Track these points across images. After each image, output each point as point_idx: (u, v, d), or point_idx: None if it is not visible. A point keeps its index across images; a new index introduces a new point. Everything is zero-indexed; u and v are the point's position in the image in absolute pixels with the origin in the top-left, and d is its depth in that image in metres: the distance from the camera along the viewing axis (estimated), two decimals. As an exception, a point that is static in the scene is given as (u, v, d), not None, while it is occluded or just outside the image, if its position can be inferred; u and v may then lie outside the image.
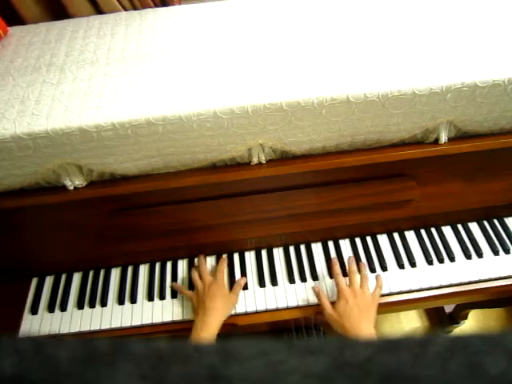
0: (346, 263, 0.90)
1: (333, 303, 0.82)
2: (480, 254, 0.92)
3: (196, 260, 0.95)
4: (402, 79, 0.75)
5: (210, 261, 0.96)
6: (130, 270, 0.96)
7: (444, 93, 0.75)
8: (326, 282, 0.91)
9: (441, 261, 0.92)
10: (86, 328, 0.87)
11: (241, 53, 0.85)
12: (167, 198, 0.87)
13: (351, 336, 0.74)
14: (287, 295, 0.89)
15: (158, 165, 0.83)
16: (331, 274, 0.90)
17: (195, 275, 0.89)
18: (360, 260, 0.93)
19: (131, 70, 0.83)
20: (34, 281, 0.95)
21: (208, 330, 0.77)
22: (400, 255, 0.93)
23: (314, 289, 0.87)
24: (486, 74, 0.75)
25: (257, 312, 0.88)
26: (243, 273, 0.93)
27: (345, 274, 0.89)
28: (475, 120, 0.82)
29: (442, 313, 1.48)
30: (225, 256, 0.95)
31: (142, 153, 0.79)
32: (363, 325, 0.76)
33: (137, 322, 0.88)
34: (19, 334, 0.86)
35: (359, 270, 0.87)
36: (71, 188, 0.82)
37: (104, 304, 0.90)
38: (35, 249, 0.92)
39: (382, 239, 0.97)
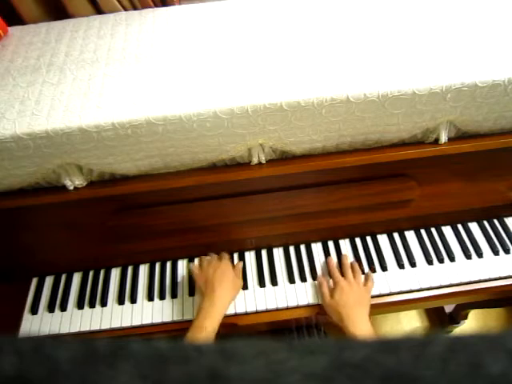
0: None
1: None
2: (480, 254, 0.92)
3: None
4: (402, 79, 0.75)
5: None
6: (130, 270, 0.96)
7: (444, 93, 0.75)
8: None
9: (441, 261, 0.92)
10: (85, 328, 0.87)
11: (241, 53, 0.85)
12: (167, 197, 0.87)
13: (348, 322, 0.78)
14: (287, 295, 0.89)
15: (158, 165, 0.83)
16: (328, 271, 0.91)
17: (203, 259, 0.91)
18: (360, 260, 0.93)
19: (131, 70, 0.83)
20: (34, 281, 0.95)
21: (212, 320, 0.77)
22: (400, 255, 0.93)
23: (318, 278, 0.90)
24: (486, 74, 0.75)
25: (257, 312, 0.88)
26: (243, 273, 0.93)
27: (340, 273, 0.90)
28: (475, 120, 0.82)
29: (442, 313, 1.48)
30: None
31: (141, 153, 0.79)
32: (359, 310, 0.81)
33: (137, 322, 0.88)
34: (19, 334, 0.86)
35: (352, 267, 0.90)
36: (71, 188, 0.82)
37: (104, 304, 0.90)
38: (35, 249, 0.92)
39: (382, 239, 0.97)
